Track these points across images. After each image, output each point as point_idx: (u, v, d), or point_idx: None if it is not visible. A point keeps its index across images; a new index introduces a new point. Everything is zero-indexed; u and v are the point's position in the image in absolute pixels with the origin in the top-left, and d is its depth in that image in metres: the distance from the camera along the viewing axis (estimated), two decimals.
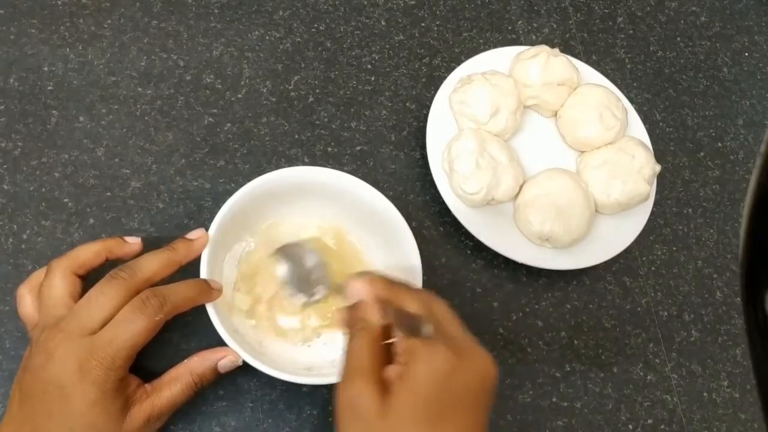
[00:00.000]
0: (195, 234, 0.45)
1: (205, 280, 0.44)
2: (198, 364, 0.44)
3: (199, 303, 0.43)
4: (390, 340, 0.39)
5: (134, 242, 0.45)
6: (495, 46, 0.65)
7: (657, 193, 0.62)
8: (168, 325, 0.42)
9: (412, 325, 0.38)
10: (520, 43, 0.68)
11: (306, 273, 0.47)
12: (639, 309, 0.59)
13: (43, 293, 0.42)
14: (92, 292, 0.41)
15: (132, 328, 0.39)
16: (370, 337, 0.39)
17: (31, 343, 0.41)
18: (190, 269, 0.44)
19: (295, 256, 0.48)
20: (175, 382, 0.43)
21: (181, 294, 0.42)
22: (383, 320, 0.39)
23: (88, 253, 0.43)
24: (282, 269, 0.48)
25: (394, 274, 0.43)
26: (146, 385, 0.43)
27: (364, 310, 0.40)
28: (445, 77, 0.61)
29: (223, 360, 0.44)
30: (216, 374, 0.44)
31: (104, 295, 0.40)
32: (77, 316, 0.40)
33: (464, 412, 0.37)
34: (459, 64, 0.62)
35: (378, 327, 0.39)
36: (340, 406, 0.37)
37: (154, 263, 0.43)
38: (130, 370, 0.41)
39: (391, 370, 0.38)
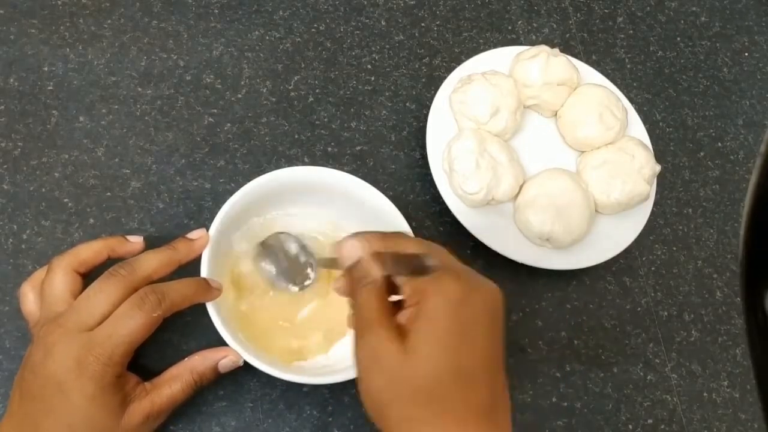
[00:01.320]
0: (196, 234, 0.45)
1: (204, 279, 0.44)
2: (199, 363, 0.44)
3: (198, 301, 0.43)
4: (395, 297, 0.39)
5: (136, 241, 0.45)
6: (495, 46, 0.65)
7: (657, 193, 0.62)
8: (168, 324, 0.42)
9: (415, 268, 0.38)
10: (520, 43, 0.68)
11: (292, 262, 0.49)
12: (639, 309, 0.59)
13: (44, 290, 0.42)
14: (91, 288, 0.41)
15: (130, 324, 0.39)
16: (375, 289, 0.38)
17: (32, 341, 0.41)
18: (190, 269, 0.44)
19: (276, 249, 0.50)
20: (175, 381, 0.43)
21: (180, 291, 0.42)
22: (384, 272, 0.39)
23: (90, 251, 0.44)
24: (266, 266, 0.49)
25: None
26: (146, 383, 0.43)
27: (364, 266, 0.39)
28: (445, 77, 0.61)
29: (224, 360, 0.44)
30: (216, 374, 0.44)
31: (103, 292, 0.40)
32: (76, 312, 0.40)
33: (481, 336, 0.37)
34: (459, 64, 0.62)
35: (381, 279, 0.38)
36: (362, 360, 0.37)
37: (154, 261, 0.43)
38: (129, 369, 0.41)
39: (402, 316, 0.38)
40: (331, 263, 0.45)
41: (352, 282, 0.39)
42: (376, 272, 0.38)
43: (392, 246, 0.40)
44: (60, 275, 0.42)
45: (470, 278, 0.38)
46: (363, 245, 0.39)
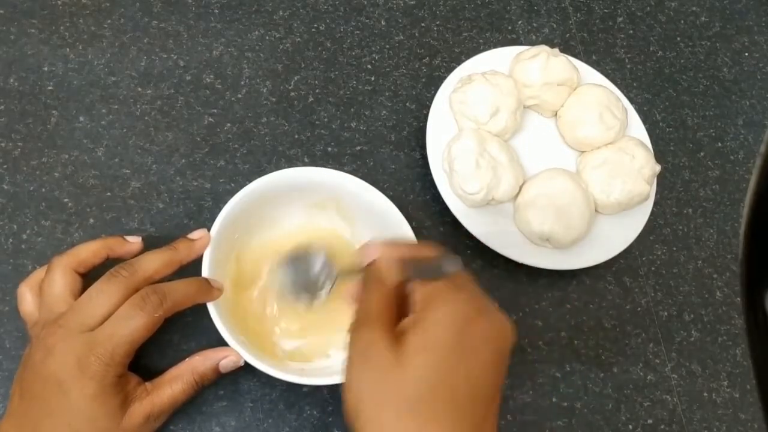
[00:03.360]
0: (197, 234, 0.45)
1: (206, 279, 0.44)
2: (200, 363, 0.44)
3: (199, 301, 0.43)
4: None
5: (135, 241, 0.46)
6: (495, 46, 0.65)
7: (657, 193, 0.62)
8: (168, 325, 0.42)
9: (431, 273, 0.37)
10: (520, 43, 0.68)
11: (313, 277, 0.46)
12: (639, 309, 0.59)
13: (44, 290, 0.42)
14: (92, 289, 0.41)
15: (131, 324, 0.39)
16: (381, 287, 0.37)
17: (31, 341, 0.41)
18: (191, 269, 0.44)
19: (301, 261, 0.47)
20: (176, 381, 0.43)
21: (181, 291, 0.42)
22: (398, 276, 0.38)
23: (89, 251, 0.44)
24: (284, 275, 0.47)
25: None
26: (147, 383, 0.43)
27: (379, 267, 0.38)
28: (445, 77, 0.61)
29: (225, 360, 0.44)
30: (217, 374, 0.44)
31: (104, 293, 0.40)
32: (77, 313, 0.40)
33: (481, 365, 0.34)
34: (459, 64, 0.62)
35: (392, 281, 0.38)
36: (352, 353, 0.35)
37: (155, 262, 0.43)
38: (130, 370, 0.41)
39: (406, 322, 0.36)
40: (351, 270, 0.44)
41: (364, 280, 0.39)
42: (389, 274, 0.38)
43: (414, 251, 0.40)
44: (60, 275, 0.42)
45: (483, 303, 0.36)
46: (384, 248, 0.39)
